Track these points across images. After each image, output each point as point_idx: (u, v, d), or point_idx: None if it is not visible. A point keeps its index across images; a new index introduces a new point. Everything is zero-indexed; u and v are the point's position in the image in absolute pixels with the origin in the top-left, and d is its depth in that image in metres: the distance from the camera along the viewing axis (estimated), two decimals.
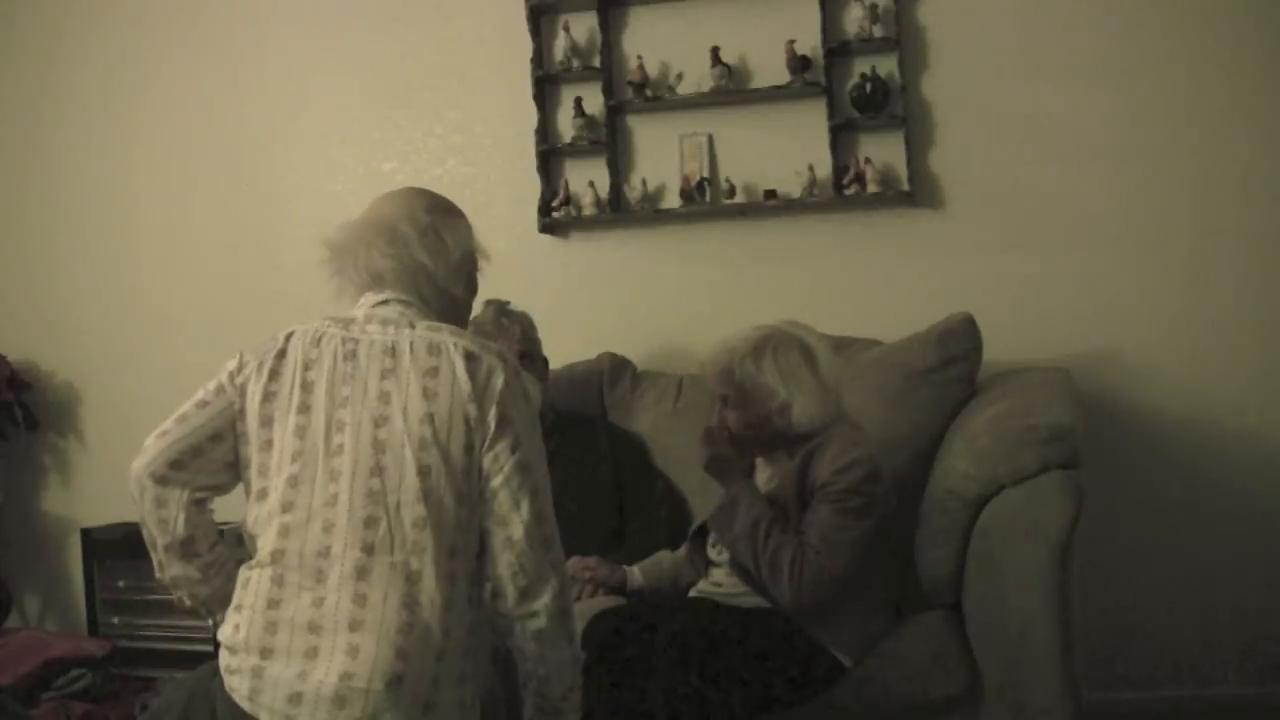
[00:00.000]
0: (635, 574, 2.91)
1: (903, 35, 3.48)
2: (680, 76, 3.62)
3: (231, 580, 1.97)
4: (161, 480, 1.99)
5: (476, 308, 2.39)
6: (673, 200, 3.66)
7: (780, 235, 3.62)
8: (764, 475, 2.68)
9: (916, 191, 3.48)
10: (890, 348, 3.20)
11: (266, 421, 1.94)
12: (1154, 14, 3.39)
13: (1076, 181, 3.43)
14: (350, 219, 2.11)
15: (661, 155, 3.68)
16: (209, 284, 4.04)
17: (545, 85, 3.75)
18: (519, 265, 3.60)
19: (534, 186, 3.73)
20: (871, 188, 3.47)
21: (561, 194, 3.71)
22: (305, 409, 1.92)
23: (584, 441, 3.25)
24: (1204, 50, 3.36)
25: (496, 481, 1.90)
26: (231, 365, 2.00)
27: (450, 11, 3.85)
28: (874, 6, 3.46)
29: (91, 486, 4.13)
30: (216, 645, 1.93)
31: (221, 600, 2.02)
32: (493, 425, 1.89)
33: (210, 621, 2.11)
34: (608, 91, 3.68)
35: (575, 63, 3.69)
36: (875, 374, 3.10)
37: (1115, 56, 3.41)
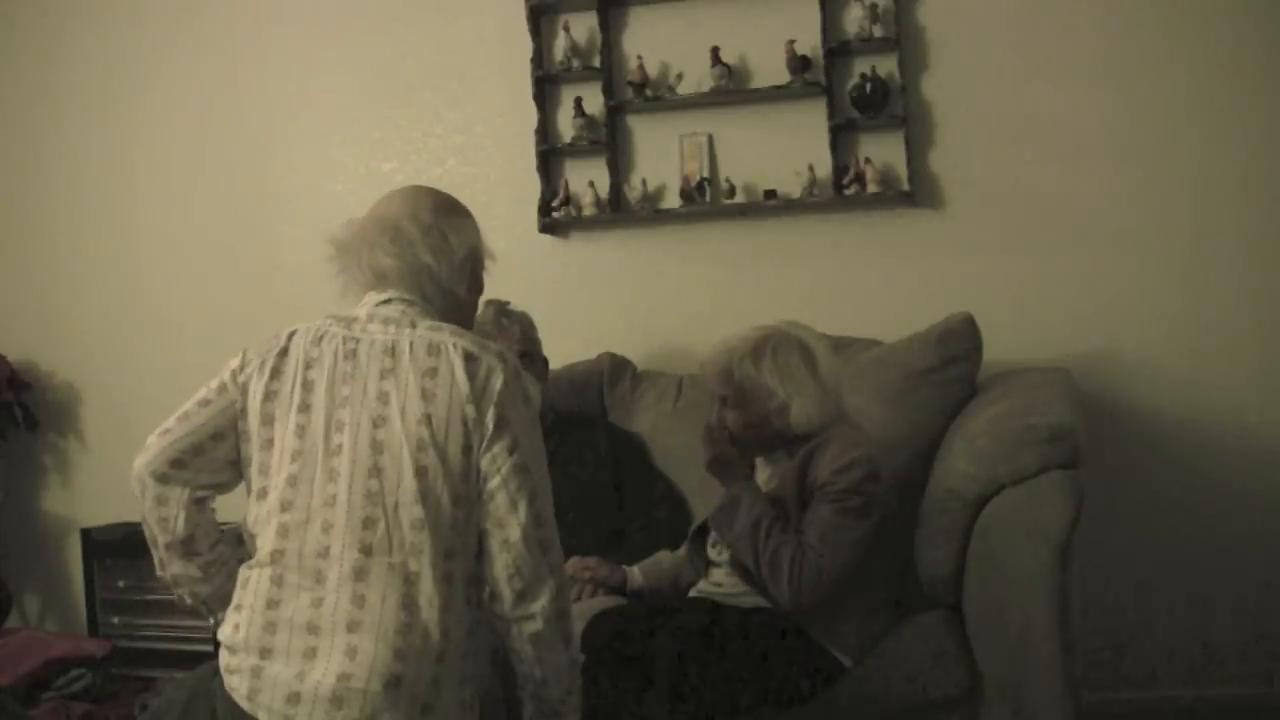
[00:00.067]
0: (635, 574, 2.91)
1: (903, 35, 3.48)
2: (680, 76, 3.62)
3: (232, 579, 1.97)
4: (162, 478, 1.99)
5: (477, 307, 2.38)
6: (673, 200, 3.66)
7: (780, 235, 3.62)
8: (764, 475, 2.68)
9: (916, 191, 3.48)
10: (890, 348, 3.20)
11: (267, 420, 1.94)
12: (1154, 14, 3.39)
13: (1076, 181, 3.43)
14: (355, 216, 2.10)
15: (661, 155, 3.68)
16: (209, 284, 4.04)
17: (545, 85, 3.75)
18: (519, 265, 3.59)
19: (534, 186, 3.73)
20: (871, 188, 3.47)
21: (561, 194, 3.71)
22: (306, 408, 1.92)
23: (584, 441, 3.25)
24: (1204, 50, 3.36)
25: (494, 483, 1.89)
26: (234, 363, 2.00)
27: (450, 11, 3.85)
28: (874, 6, 3.46)
29: (91, 486, 4.14)
30: (216, 645, 1.94)
31: (222, 599, 2.03)
32: (491, 426, 1.88)
33: (211, 620, 2.11)
34: (608, 91, 3.68)
35: (575, 63, 3.69)
36: (875, 374, 3.10)
37: (1115, 56, 3.41)
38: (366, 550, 1.84)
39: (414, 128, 3.89)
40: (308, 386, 1.93)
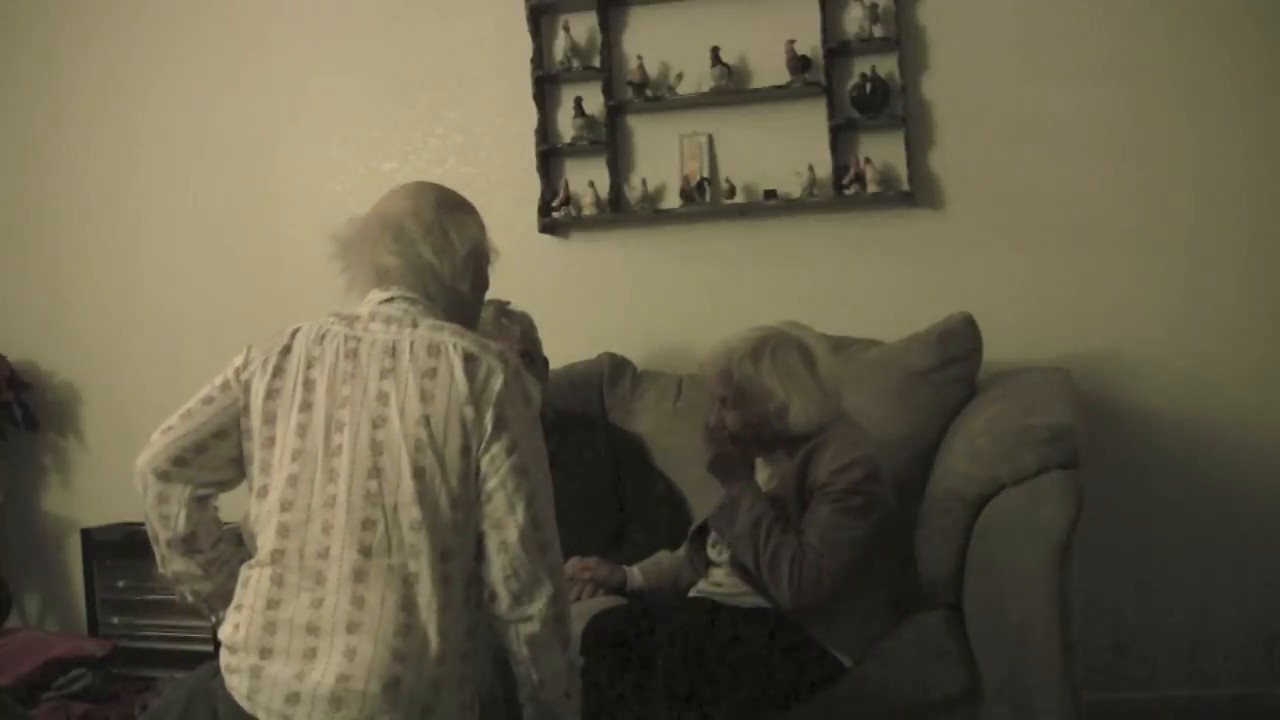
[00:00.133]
0: (635, 574, 2.91)
1: (903, 35, 3.48)
2: (680, 76, 3.62)
3: (234, 577, 1.97)
4: (164, 476, 1.99)
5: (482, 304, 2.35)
6: (673, 200, 3.66)
7: (780, 235, 3.62)
8: (763, 475, 2.68)
9: (916, 191, 3.48)
10: (890, 348, 3.20)
11: (269, 418, 1.94)
12: (1154, 14, 3.38)
13: (1076, 181, 3.42)
14: (359, 214, 2.09)
15: (661, 155, 3.68)
16: (209, 284, 4.04)
17: (545, 85, 3.75)
18: (519, 265, 3.58)
19: (534, 186, 3.73)
20: (871, 188, 3.47)
21: (561, 194, 3.71)
22: (307, 407, 1.92)
23: (584, 442, 3.25)
24: (1204, 50, 3.36)
25: (492, 484, 1.88)
26: (238, 361, 2.00)
27: (450, 11, 3.85)
28: (874, 6, 3.46)
29: (91, 486, 4.13)
30: (217, 645, 1.94)
31: (223, 597, 2.03)
32: (489, 427, 1.87)
33: (212, 618, 2.11)
34: (608, 91, 3.68)
35: (575, 63, 3.68)
36: (875, 374, 3.10)
37: (1115, 56, 3.41)
38: (366, 551, 1.84)
39: (414, 128, 3.89)
40: (309, 385, 1.93)
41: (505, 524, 1.88)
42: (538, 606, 1.89)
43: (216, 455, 1.99)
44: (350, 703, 1.78)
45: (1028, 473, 2.49)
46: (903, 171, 3.47)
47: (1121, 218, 3.41)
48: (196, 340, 3.95)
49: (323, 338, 1.96)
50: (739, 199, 3.59)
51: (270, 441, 1.94)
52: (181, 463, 1.99)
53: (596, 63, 3.68)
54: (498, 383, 1.89)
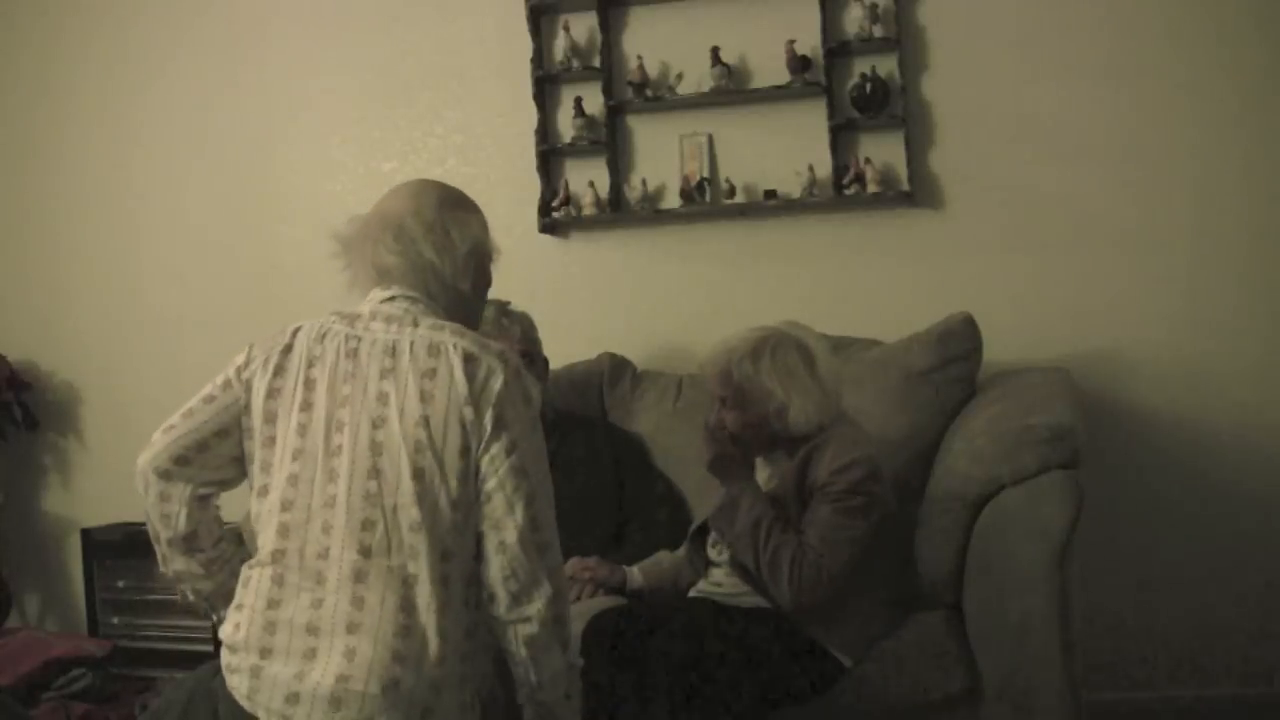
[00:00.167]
0: (635, 574, 2.91)
1: (903, 35, 3.48)
2: (680, 76, 3.62)
3: (235, 576, 1.97)
4: (165, 475, 1.99)
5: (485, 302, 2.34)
6: (673, 200, 3.66)
7: (780, 235, 3.62)
8: (763, 475, 2.68)
9: (916, 191, 3.48)
10: (890, 348, 3.20)
11: (270, 418, 1.94)
12: (1155, 14, 3.38)
13: (1076, 181, 3.42)
14: (360, 212, 2.09)
15: (661, 155, 3.68)
16: (209, 284, 4.04)
17: (545, 85, 3.75)
18: (519, 265, 3.59)
19: (534, 186, 3.73)
20: (871, 188, 3.47)
21: (561, 194, 3.71)
22: (307, 406, 1.92)
23: (584, 442, 3.25)
24: (1204, 50, 3.36)
25: (491, 484, 1.87)
26: (240, 359, 2.00)
27: (450, 11, 3.85)
28: (874, 6, 3.46)
29: (91, 486, 4.14)
30: (217, 644, 1.94)
31: (224, 596, 2.03)
32: (489, 428, 1.87)
33: (214, 617, 2.11)
34: (608, 91, 3.68)
35: (575, 63, 3.68)
36: (875, 374, 3.10)
37: (1116, 56, 3.41)
38: (365, 552, 1.84)
39: (414, 128, 3.89)
40: (309, 385, 1.93)
41: (504, 524, 1.87)
42: (536, 607, 1.89)
43: (218, 454, 2.00)
44: (350, 703, 1.78)
45: (1028, 473, 2.49)
46: (903, 171, 3.47)
47: (1121, 218, 3.41)
48: (196, 340, 3.95)
49: (324, 337, 1.96)
50: (739, 199, 3.59)
51: (271, 441, 1.93)
52: (183, 461, 1.99)
53: (596, 63, 3.68)
54: (497, 383, 1.89)
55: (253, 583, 1.90)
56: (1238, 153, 3.35)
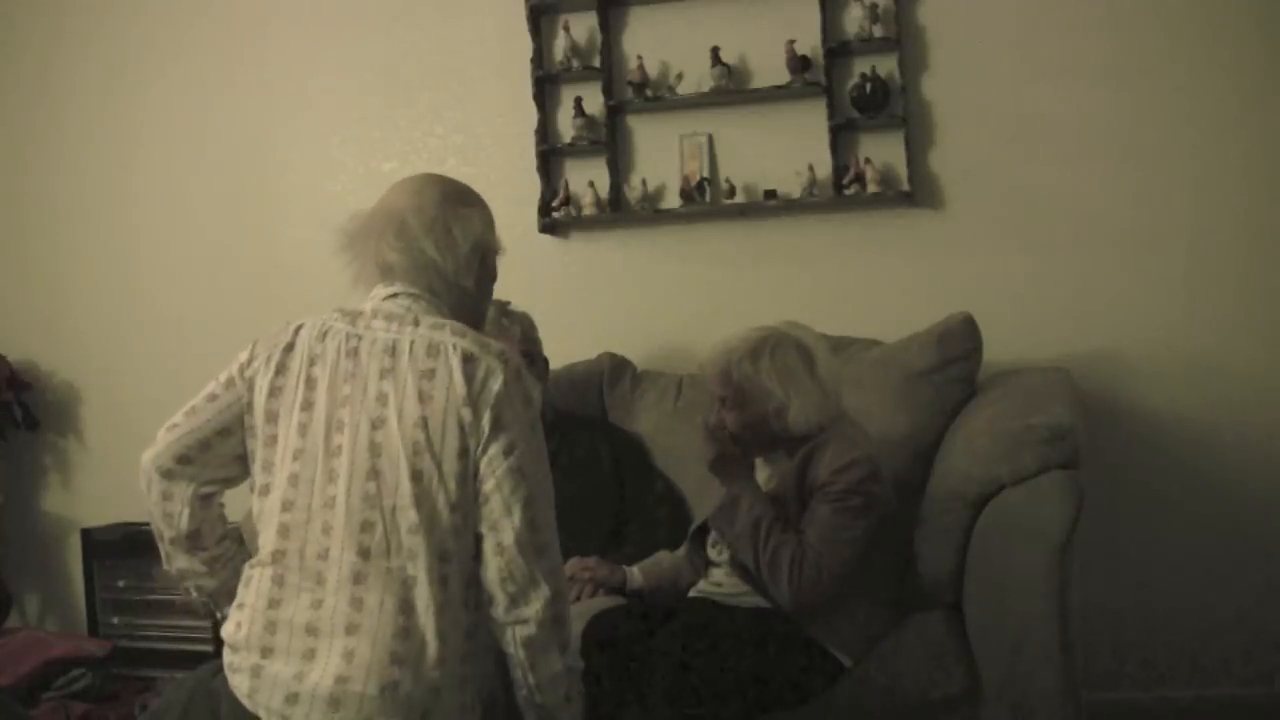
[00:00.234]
0: (635, 574, 2.91)
1: (903, 35, 3.48)
2: (680, 76, 3.62)
3: (238, 574, 1.97)
4: (167, 474, 2.00)
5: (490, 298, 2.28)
6: (673, 200, 3.66)
7: (780, 235, 3.62)
8: (763, 475, 2.68)
9: (916, 191, 3.48)
10: (890, 348, 3.20)
11: (272, 417, 1.94)
12: (1154, 14, 3.38)
13: (1076, 181, 3.42)
14: (363, 208, 2.07)
15: (661, 155, 3.68)
16: (209, 284, 4.04)
17: (545, 85, 3.75)
18: (519, 265, 3.58)
19: (534, 186, 3.73)
20: (871, 188, 3.47)
21: (561, 194, 3.71)
22: (308, 406, 1.91)
23: (584, 442, 3.25)
24: (1204, 50, 3.36)
25: (489, 486, 1.86)
26: (243, 356, 2.00)
27: (450, 11, 3.85)
28: (874, 6, 3.46)
29: (91, 486, 4.14)
30: (217, 645, 1.94)
31: (227, 594, 2.03)
32: (487, 429, 1.86)
33: (217, 614, 2.11)
34: (608, 91, 3.68)
35: (575, 63, 3.68)
36: (875, 374, 3.10)
37: (1116, 56, 3.41)
38: (364, 554, 1.83)
39: (414, 128, 3.89)
40: (310, 384, 1.92)
41: (501, 526, 1.87)
42: (534, 609, 1.88)
43: (221, 453, 2.00)
44: (348, 704, 1.78)
45: (1028, 473, 2.49)
46: (903, 171, 3.47)
47: (1121, 218, 3.41)
48: (196, 340, 3.95)
49: (325, 335, 1.95)
50: (739, 199, 3.59)
51: (273, 439, 1.93)
52: (185, 460, 1.99)
53: (596, 63, 3.68)
54: (496, 383, 1.88)
55: (254, 582, 1.90)
56: (1237, 153, 3.35)
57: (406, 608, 1.82)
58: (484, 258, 2.06)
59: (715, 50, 3.56)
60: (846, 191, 3.49)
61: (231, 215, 4.03)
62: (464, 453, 1.86)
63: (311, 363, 1.94)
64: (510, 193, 3.74)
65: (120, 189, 4.13)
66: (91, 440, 4.18)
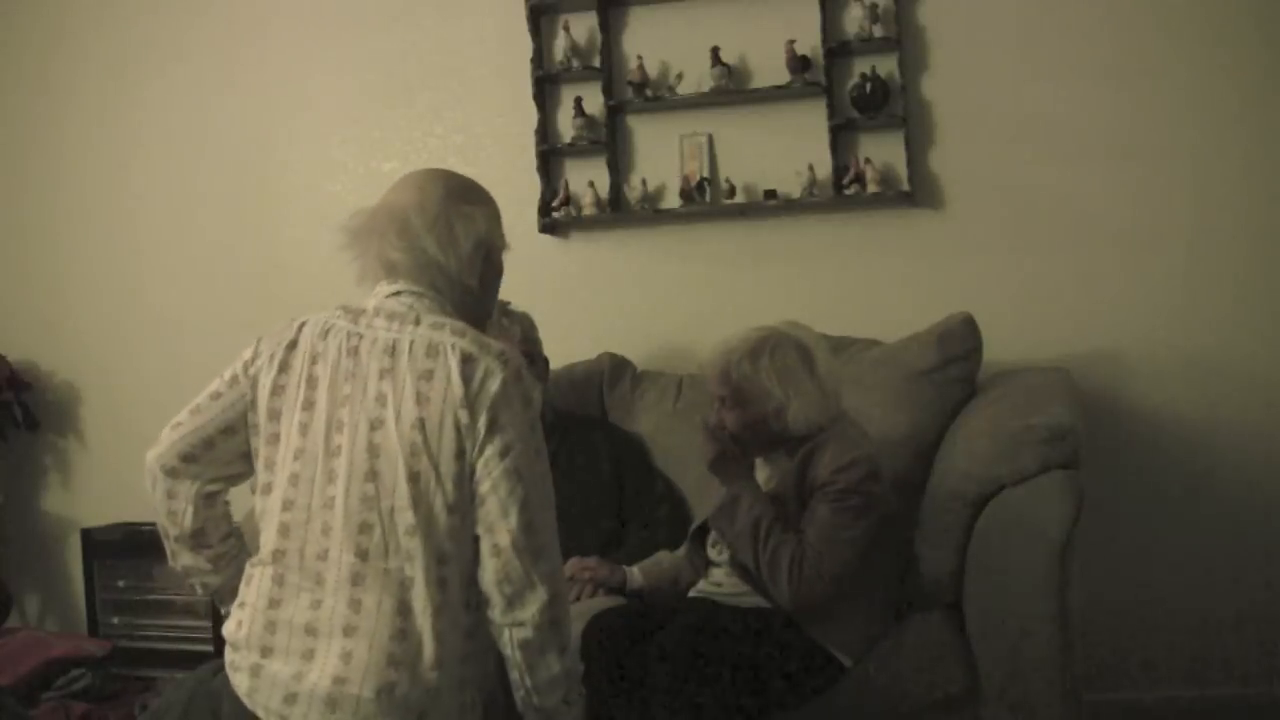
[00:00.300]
0: (635, 574, 2.91)
1: (903, 35, 3.48)
2: (680, 76, 3.62)
3: (243, 572, 1.97)
4: (172, 473, 2.00)
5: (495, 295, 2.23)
6: (673, 200, 3.66)
7: (780, 235, 3.62)
8: (763, 475, 2.68)
9: (916, 191, 3.48)
10: (890, 348, 3.20)
11: (274, 415, 1.94)
12: (1154, 14, 3.38)
13: (1076, 181, 3.42)
14: (366, 205, 2.06)
15: (661, 155, 3.68)
16: (209, 284, 4.04)
17: (545, 85, 3.75)
18: (519, 265, 3.56)
19: (534, 186, 3.73)
20: (871, 188, 3.47)
21: (561, 194, 3.71)
22: (310, 405, 1.91)
23: (584, 442, 3.25)
24: (1204, 50, 3.36)
25: (485, 487, 1.85)
26: (247, 354, 1.99)
27: (450, 11, 3.85)
28: (874, 6, 3.46)
29: (91, 486, 4.14)
30: (217, 645, 1.94)
31: (232, 591, 2.02)
32: (483, 430, 1.84)
33: (223, 611, 2.11)
34: (608, 91, 3.68)
35: (575, 63, 3.68)
36: (875, 374, 3.10)
37: (1115, 56, 3.41)
38: (363, 555, 1.83)
39: (414, 128, 3.89)
40: (312, 383, 1.92)
41: (498, 528, 1.85)
42: (530, 612, 1.86)
43: (224, 451, 2.00)
44: (345, 706, 1.78)
45: (1028, 473, 2.49)
46: (903, 171, 3.47)
47: (1121, 218, 3.41)
48: (196, 340, 3.95)
49: (327, 333, 1.94)
50: (739, 199, 3.59)
51: (275, 438, 1.93)
52: (189, 459, 1.99)
53: (596, 63, 3.68)
54: (494, 384, 1.86)
55: (254, 581, 1.90)
56: (1237, 153, 3.35)
57: (404, 609, 1.82)
58: (488, 255, 2.04)
59: (715, 50, 3.56)
60: (846, 191, 3.49)
61: (231, 215, 4.03)
62: (461, 454, 1.85)
63: (314, 361, 1.93)
64: (510, 193, 3.68)
65: (120, 189, 4.13)
66: (91, 440, 4.18)
